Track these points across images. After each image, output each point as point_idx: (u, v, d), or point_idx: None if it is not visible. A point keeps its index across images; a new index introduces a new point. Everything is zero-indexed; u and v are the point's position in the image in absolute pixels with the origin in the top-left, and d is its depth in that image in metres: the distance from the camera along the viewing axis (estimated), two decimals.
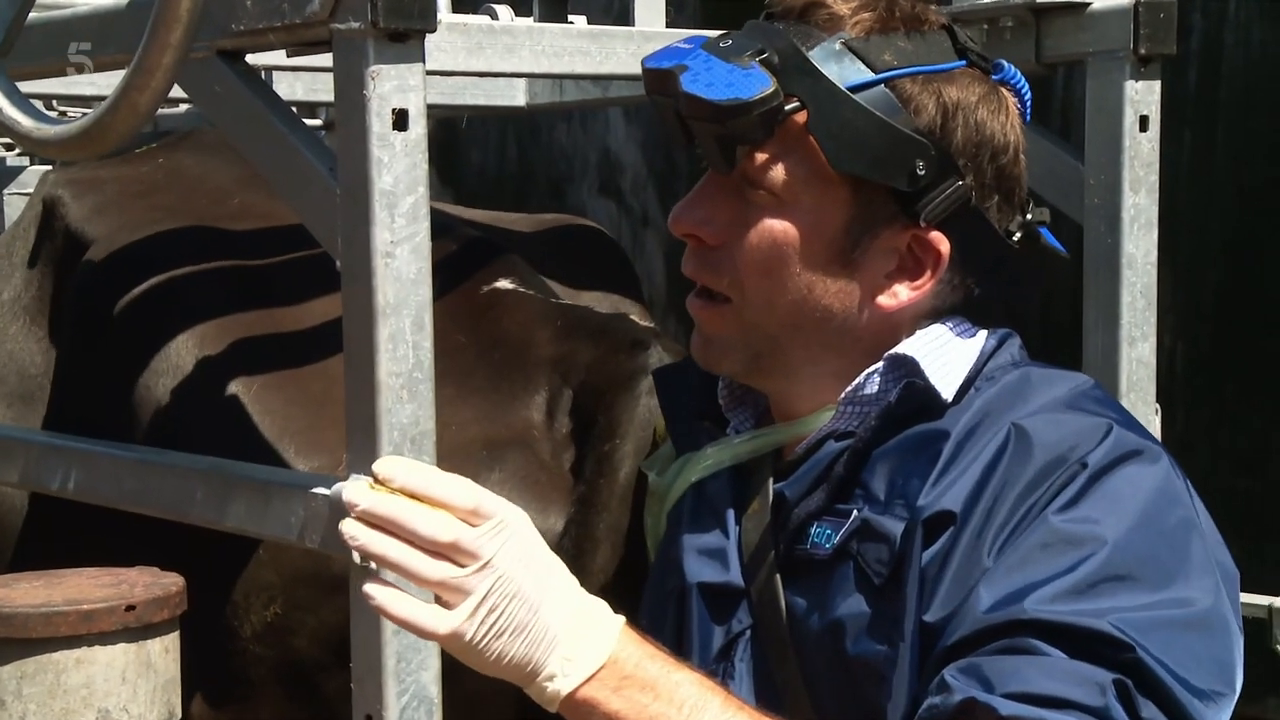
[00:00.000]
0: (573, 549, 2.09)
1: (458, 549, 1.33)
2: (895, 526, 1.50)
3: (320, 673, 2.09)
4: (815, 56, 1.53)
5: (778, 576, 1.57)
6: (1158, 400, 2.40)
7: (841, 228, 1.56)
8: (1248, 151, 3.98)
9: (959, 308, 1.62)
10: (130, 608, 1.80)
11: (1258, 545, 3.88)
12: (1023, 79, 1.61)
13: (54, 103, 3.74)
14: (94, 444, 2.23)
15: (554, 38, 2.48)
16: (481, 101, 3.38)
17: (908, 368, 1.56)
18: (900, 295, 1.58)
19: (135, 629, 1.81)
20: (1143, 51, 2.31)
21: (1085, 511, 1.44)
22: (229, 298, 2.38)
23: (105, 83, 2.12)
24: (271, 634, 2.15)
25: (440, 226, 2.46)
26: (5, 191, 5.45)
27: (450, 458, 2.08)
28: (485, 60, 2.47)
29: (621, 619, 1.40)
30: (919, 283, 1.57)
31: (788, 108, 1.52)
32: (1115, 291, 2.35)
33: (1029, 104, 1.62)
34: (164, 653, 1.85)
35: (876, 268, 1.57)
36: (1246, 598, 2.47)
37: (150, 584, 1.87)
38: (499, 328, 2.30)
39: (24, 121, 1.95)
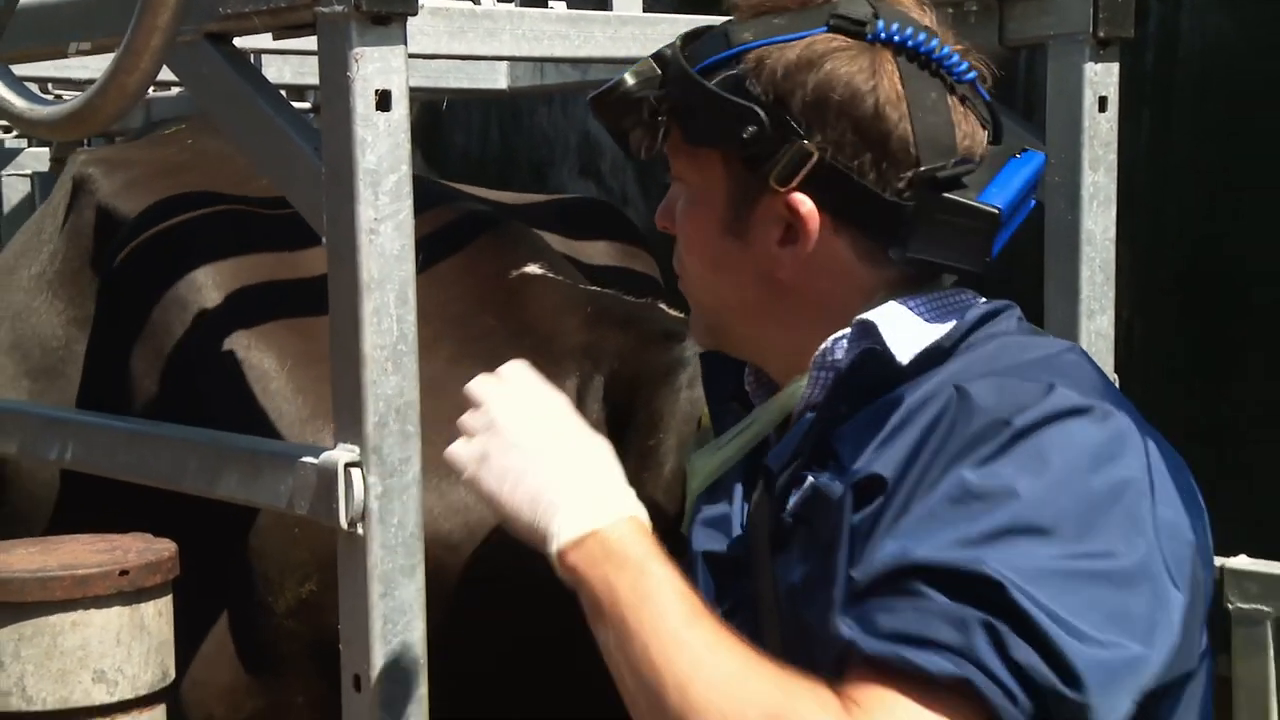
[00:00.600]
0: None
1: (468, 396, 1.53)
2: (837, 490, 1.49)
3: None
4: (693, 45, 1.58)
5: (766, 546, 1.58)
6: (1115, 371, 2.41)
7: (724, 202, 1.59)
8: (1203, 131, 3.99)
9: (961, 281, 1.60)
10: (124, 572, 1.80)
11: (1211, 509, 3.90)
12: (914, 36, 1.55)
13: (49, 85, 3.72)
14: (90, 416, 2.24)
15: (534, 22, 2.48)
16: (464, 84, 3.38)
17: (870, 335, 1.55)
18: (786, 261, 1.57)
19: (129, 593, 1.81)
20: (1102, 35, 2.31)
21: (999, 468, 1.41)
22: (260, 276, 2.37)
23: (97, 65, 2.11)
24: (305, 611, 2.15)
25: (466, 209, 2.45)
26: (3, 173, 5.43)
27: None
28: (467, 44, 2.47)
29: (633, 511, 1.46)
30: (798, 249, 1.56)
31: (655, 94, 1.57)
32: (1075, 266, 2.36)
33: (939, 55, 1.56)
34: (157, 615, 1.85)
35: (765, 237, 1.58)
36: None
37: (143, 549, 1.87)
38: (527, 313, 2.29)
39: (17, 103, 1.95)
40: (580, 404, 2.19)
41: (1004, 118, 2.46)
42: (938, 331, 1.56)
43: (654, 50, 1.62)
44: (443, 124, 5.85)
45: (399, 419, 1.75)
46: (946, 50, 1.56)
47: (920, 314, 1.57)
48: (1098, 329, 2.37)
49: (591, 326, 2.23)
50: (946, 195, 1.54)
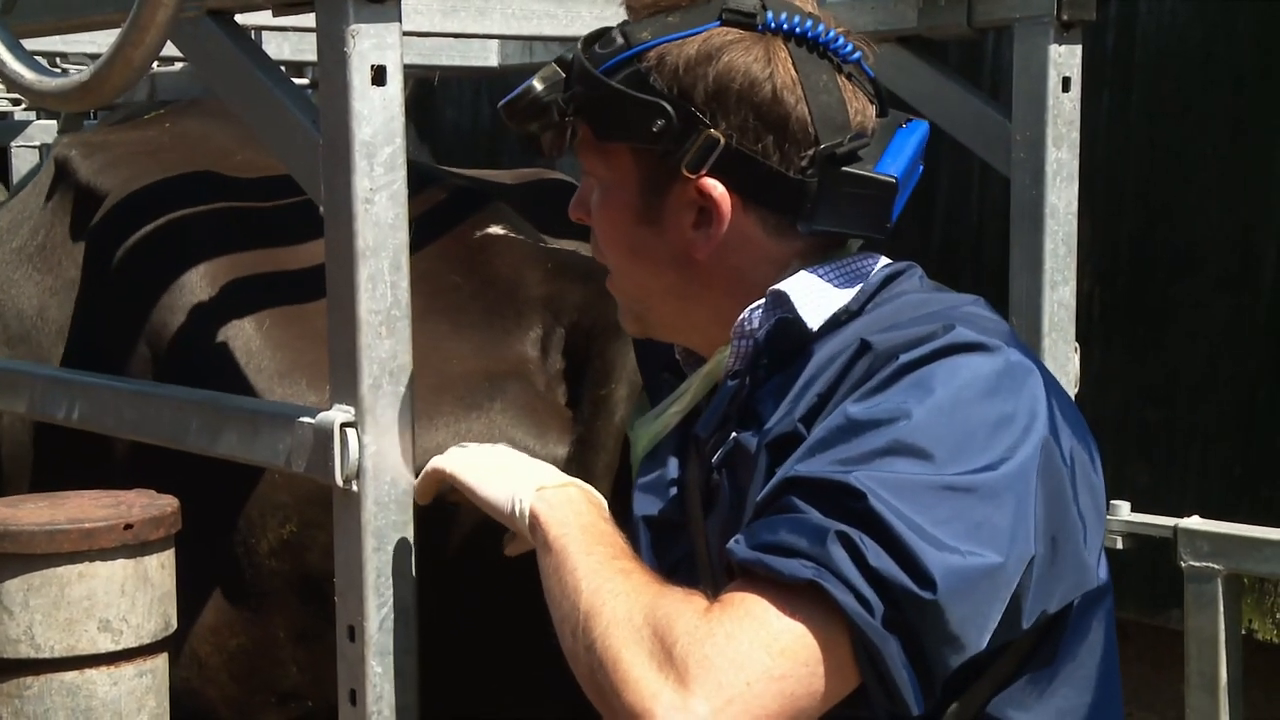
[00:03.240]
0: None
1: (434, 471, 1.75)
2: (753, 443, 1.52)
3: (330, 585, 2.10)
4: (595, 47, 1.59)
5: (699, 508, 1.59)
6: (1077, 339, 2.41)
7: (636, 192, 1.61)
8: (1160, 110, 3.98)
9: (866, 246, 1.63)
10: (129, 526, 1.79)
11: (1166, 471, 3.91)
12: (802, 23, 1.57)
13: (57, 59, 3.69)
14: (97, 377, 2.22)
15: (523, 2, 2.47)
16: (457, 62, 3.36)
17: (783, 305, 1.57)
18: (701, 243, 1.59)
19: (133, 546, 1.80)
20: (1065, 18, 2.30)
21: (883, 399, 1.42)
22: (237, 242, 2.36)
23: (104, 40, 2.09)
24: (286, 551, 2.15)
25: (434, 180, 2.46)
26: (13, 144, 5.40)
27: (455, 388, 2.08)
28: (459, 22, 2.46)
29: (582, 484, 1.64)
30: (712, 230, 1.59)
31: (562, 96, 1.59)
32: (1039, 239, 2.35)
33: (826, 39, 1.59)
34: (160, 568, 1.84)
35: (679, 222, 1.60)
36: (1153, 519, 2.50)
37: (147, 505, 1.86)
38: (491, 269, 2.29)
39: (27, 75, 1.93)
40: (544, 354, 2.19)
41: (972, 95, 2.46)
42: (845, 295, 1.58)
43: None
44: (436, 100, 5.83)
45: (392, 381, 1.74)
46: (832, 33, 1.60)
47: (830, 280, 1.59)
48: (1060, 299, 2.37)
49: (552, 280, 2.24)
50: (846, 169, 1.57)
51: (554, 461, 2.04)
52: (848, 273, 1.60)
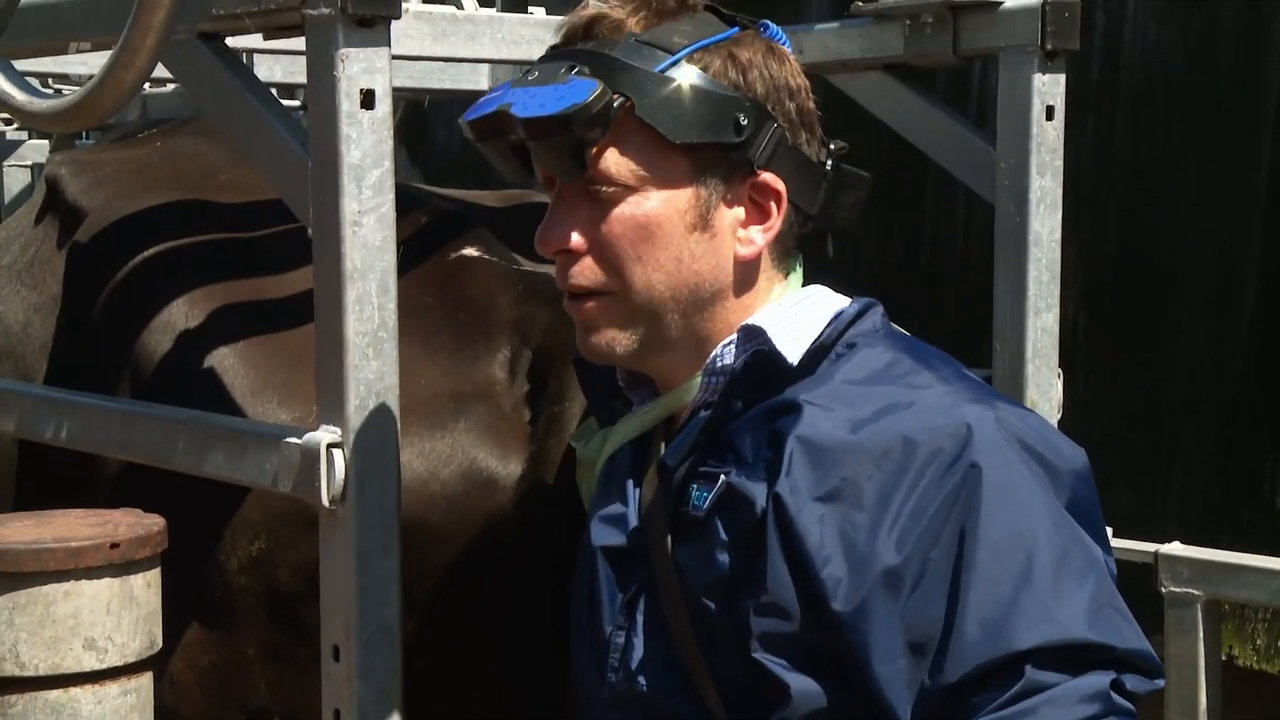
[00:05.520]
0: (528, 498, 2.08)
1: None
2: (757, 490, 1.52)
3: (300, 603, 2.09)
4: (620, 55, 1.58)
5: (668, 537, 1.58)
6: (1060, 364, 2.41)
7: (690, 195, 1.59)
8: (1143, 137, 3.99)
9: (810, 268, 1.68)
10: (115, 545, 1.79)
11: (1148, 495, 3.91)
12: (784, 35, 1.67)
13: (49, 80, 3.69)
14: (84, 397, 2.22)
15: (513, 26, 2.47)
16: (448, 85, 3.35)
17: (758, 338, 1.58)
18: (756, 240, 1.62)
19: (119, 565, 1.79)
20: (1049, 47, 2.31)
21: (994, 516, 1.46)
22: (215, 262, 2.36)
23: (95, 62, 2.09)
24: (256, 567, 2.14)
25: (412, 200, 2.46)
26: (5, 164, 5.39)
27: (421, 409, 2.08)
28: (449, 46, 2.46)
29: None
30: (769, 224, 1.61)
31: (617, 102, 1.55)
32: (1023, 266, 2.35)
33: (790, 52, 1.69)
34: (146, 587, 1.83)
35: (729, 222, 1.61)
36: (1133, 544, 2.50)
37: (133, 524, 1.85)
38: (464, 291, 2.29)
39: (18, 96, 1.93)
40: (511, 377, 2.19)
41: (958, 123, 2.48)
42: (815, 328, 1.61)
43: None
44: (427, 123, 5.83)
45: (379, 402, 1.74)
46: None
47: (796, 314, 1.62)
48: (1043, 325, 2.36)
49: (522, 303, 2.24)
50: (844, 165, 1.66)
51: (513, 480, 2.05)
52: (809, 306, 1.64)
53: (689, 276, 1.60)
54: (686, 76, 1.57)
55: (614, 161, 1.58)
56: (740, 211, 1.60)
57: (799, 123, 1.63)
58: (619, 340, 1.64)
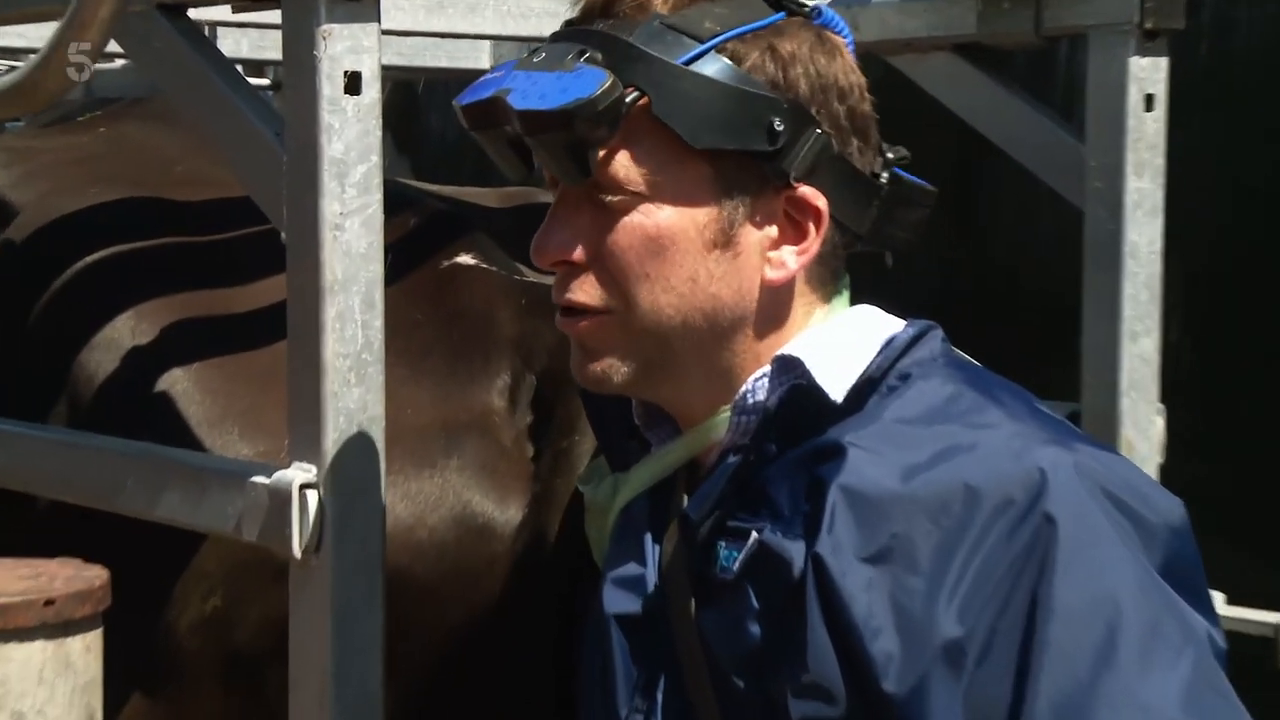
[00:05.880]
0: (530, 548, 2.09)
1: None
2: (795, 549, 1.50)
3: (263, 668, 2.09)
4: (639, 41, 1.54)
5: (692, 602, 1.58)
6: (1161, 400, 2.40)
7: (711, 207, 1.57)
8: (1257, 136, 3.99)
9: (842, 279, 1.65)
10: (49, 602, 1.79)
11: (1268, 557, 3.90)
12: (843, 23, 1.62)
13: None
14: (13, 424, 2.22)
15: None
16: (444, 64, 3.37)
17: (795, 370, 1.56)
18: (789, 263, 1.58)
19: (54, 625, 1.79)
20: (1149, 25, 2.31)
21: (1071, 580, 1.45)
22: (169, 269, 2.37)
23: (36, 35, 2.11)
24: (210, 627, 2.15)
25: (400, 199, 2.47)
26: None
27: (406, 442, 2.09)
28: (446, 20, 2.48)
29: None
30: (804, 245, 1.58)
31: (629, 97, 1.53)
32: (1116, 282, 2.35)
33: (853, 45, 1.65)
34: (85, 651, 1.83)
35: (757, 241, 1.58)
36: (1249, 613, 2.49)
37: (71, 577, 1.85)
38: (458, 305, 2.30)
39: None
40: (512, 405, 2.19)
41: (1040, 114, 2.47)
42: (862, 357, 1.58)
43: None
44: (419, 106, 5.85)
45: (361, 435, 1.75)
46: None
47: (842, 340, 1.60)
48: (1140, 352, 2.36)
49: (525, 318, 2.24)
50: (905, 178, 1.63)
51: (512, 527, 2.04)
52: (855, 331, 1.61)
53: (704, 300, 1.58)
54: (715, 70, 1.54)
55: (623, 165, 1.56)
56: (772, 229, 1.58)
57: (849, 128, 1.59)
58: (617, 368, 1.62)
